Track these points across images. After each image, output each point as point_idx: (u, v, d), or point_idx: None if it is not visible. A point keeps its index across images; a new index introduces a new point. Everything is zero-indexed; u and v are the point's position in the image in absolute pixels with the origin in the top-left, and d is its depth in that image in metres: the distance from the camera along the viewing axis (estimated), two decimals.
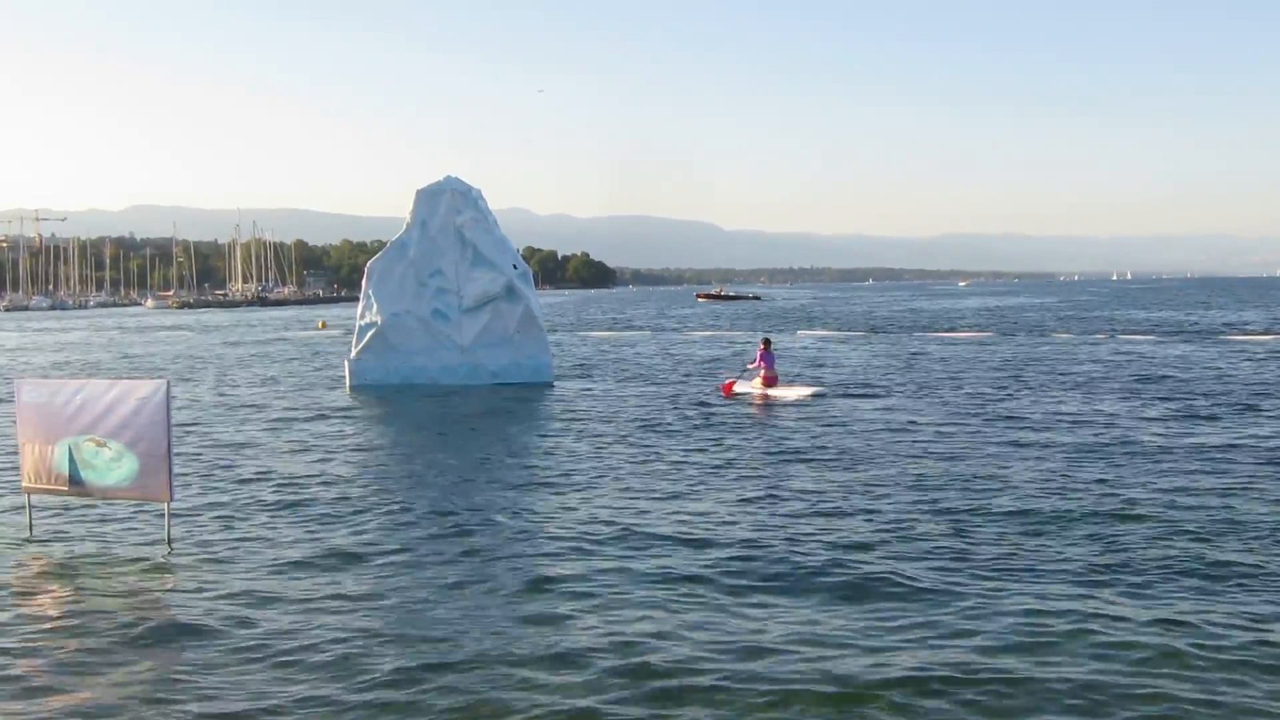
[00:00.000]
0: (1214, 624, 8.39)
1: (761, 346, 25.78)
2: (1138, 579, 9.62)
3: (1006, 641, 8.06)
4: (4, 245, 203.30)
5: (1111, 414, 20.63)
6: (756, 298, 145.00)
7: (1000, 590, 9.30)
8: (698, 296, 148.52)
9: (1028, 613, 8.67)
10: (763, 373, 24.87)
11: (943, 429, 18.94)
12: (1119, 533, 11.24)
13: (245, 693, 7.35)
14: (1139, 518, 11.87)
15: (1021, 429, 18.81)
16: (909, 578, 9.71)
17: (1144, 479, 14.06)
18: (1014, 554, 10.49)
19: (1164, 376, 28.01)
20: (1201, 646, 7.90)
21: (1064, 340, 45.06)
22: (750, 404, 23.37)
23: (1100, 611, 8.68)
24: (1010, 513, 12.22)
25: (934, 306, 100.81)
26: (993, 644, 8.01)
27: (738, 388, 25.16)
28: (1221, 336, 45.75)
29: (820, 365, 33.70)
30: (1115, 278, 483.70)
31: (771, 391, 24.29)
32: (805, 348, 42.69)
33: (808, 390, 24.47)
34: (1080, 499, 12.86)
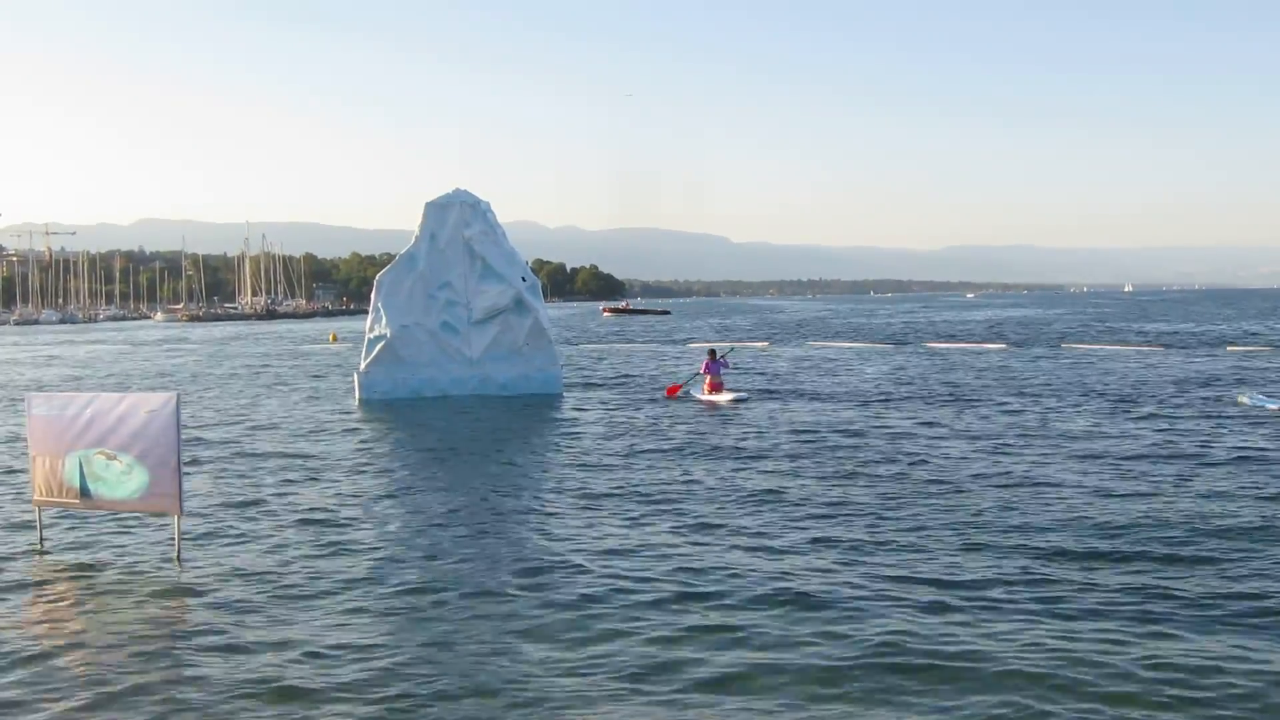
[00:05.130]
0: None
1: (708, 357, 27.75)
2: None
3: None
4: (14, 259, 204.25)
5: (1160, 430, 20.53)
6: (666, 312, 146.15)
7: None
8: (604, 311, 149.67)
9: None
10: (708, 379, 27.06)
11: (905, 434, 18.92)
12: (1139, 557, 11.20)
13: (254, 708, 7.33)
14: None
15: (962, 434, 18.78)
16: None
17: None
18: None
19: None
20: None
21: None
22: (701, 408, 25.10)
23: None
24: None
25: (942, 317, 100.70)
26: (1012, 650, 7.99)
27: (687, 389, 27.82)
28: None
29: (779, 375, 33.69)
30: (1127, 290, 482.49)
31: (713, 397, 26.45)
32: (808, 357, 42.67)
33: (732, 396, 26.44)
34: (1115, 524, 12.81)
